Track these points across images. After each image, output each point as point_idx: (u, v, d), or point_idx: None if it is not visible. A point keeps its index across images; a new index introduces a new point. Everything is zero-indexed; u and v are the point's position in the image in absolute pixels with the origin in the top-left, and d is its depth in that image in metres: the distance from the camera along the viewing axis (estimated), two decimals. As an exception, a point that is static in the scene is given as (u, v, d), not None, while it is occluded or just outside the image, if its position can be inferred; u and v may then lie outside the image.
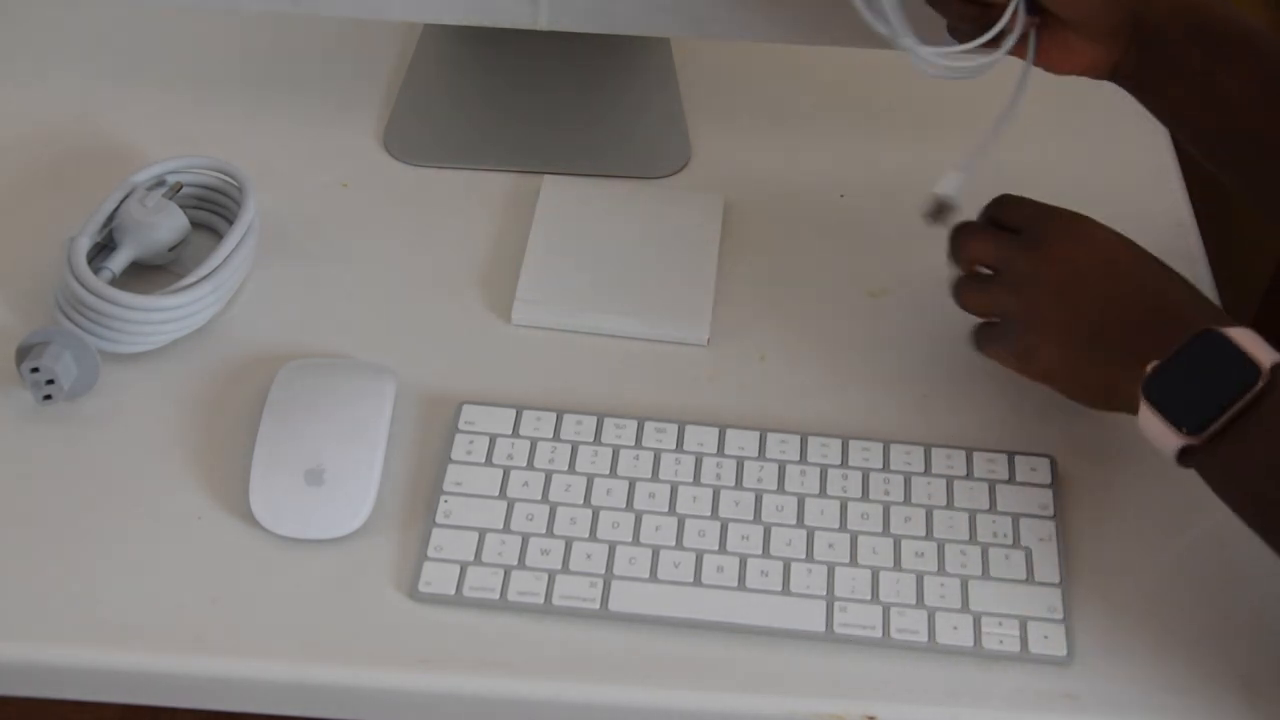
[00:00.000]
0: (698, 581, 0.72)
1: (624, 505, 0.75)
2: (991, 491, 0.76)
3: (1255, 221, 1.02)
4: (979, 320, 0.77)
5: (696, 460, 0.77)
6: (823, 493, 0.75)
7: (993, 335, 0.75)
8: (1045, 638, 0.70)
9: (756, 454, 0.77)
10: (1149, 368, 0.66)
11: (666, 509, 0.75)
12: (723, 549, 0.73)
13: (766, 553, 0.73)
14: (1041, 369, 0.74)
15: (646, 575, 0.72)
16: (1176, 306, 0.71)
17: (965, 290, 0.77)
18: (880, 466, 0.77)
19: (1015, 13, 0.74)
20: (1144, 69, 0.76)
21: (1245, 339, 0.65)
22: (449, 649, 0.70)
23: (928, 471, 0.76)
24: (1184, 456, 0.66)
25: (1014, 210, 0.77)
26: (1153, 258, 0.73)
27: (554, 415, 0.78)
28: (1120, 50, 0.76)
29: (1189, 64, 0.75)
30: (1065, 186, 0.80)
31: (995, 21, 0.74)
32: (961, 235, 0.77)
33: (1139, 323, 0.70)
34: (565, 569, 0.72)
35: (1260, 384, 0.63)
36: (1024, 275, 0.74)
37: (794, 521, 0.74)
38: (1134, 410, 0.67)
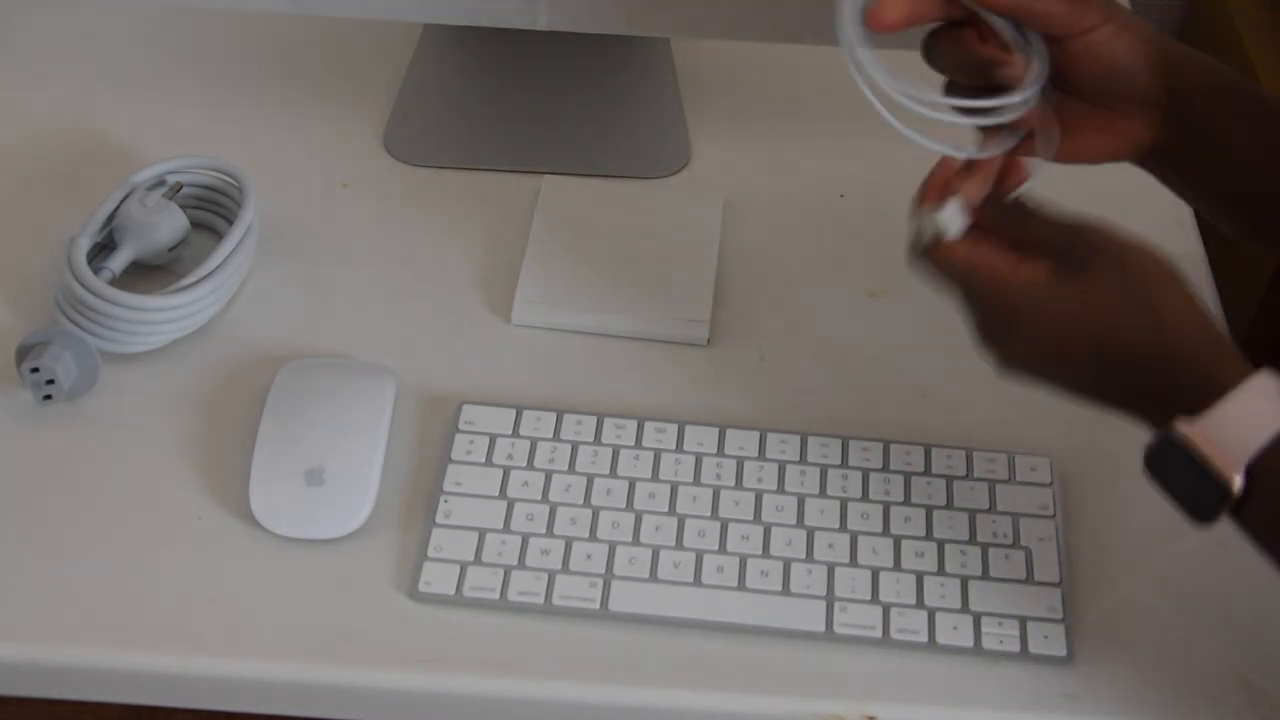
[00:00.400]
0: (698, 581, 0.72)
1: (624, 505, 0.75)
2: (991, 491, 0.76)
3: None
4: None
5: (696, 460, 0.77)
6: (823, 493, 0.75)
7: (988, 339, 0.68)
8: (1045, 638, 0.70)
9: (756, 454, 0.77)
10: (1148, 445, 0.63)
11: (666, 509, 0.75)
12: (723, 549, 0.73)
13: (766, 553, 0.73)
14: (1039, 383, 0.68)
15: (646, 575, 0.72)
16: (1183, 366, 0.63)
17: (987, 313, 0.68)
18: (880, 466, 0.77)
19: (1031, 109, 0.69)
20: (1179, 142, 0.71)
21: (1215, 436, 0.61)
22: (449, 649, 0.70)
23: (928, 471, 0.76)
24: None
25: (1046, 228, 0.68)
26: (1193, 304, 0.65)
27: (554, 415, 0.78)
28: (1156, 126, 0.71)
29: (1224, 132, 0.70)
30: (1065, 186, 0.79)
31: (1000, 79, 0.68)
32: (980, 257, 0.68)
33: (1147, 386, 0.64)
34: (565, 569, 0.72)
35: (1235, 495, 0.60)
36: (1054, 317, 0.65)
37: (794, 521, 0.74)
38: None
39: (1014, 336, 0.66)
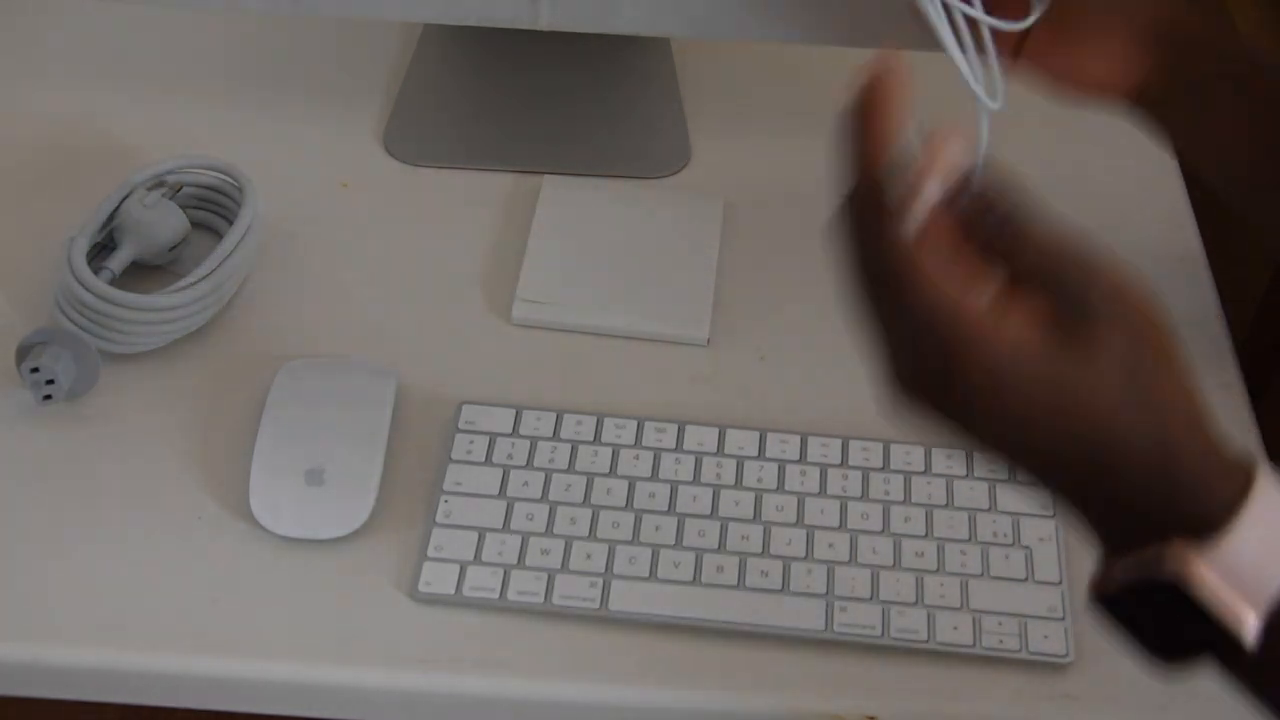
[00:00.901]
0: (698, 581, 0.72)
1: (624, 505, 0.75)
2: (991, 491, 0.76)
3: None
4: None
5: (696, 460, 0.77)
6: (823, 492, 0.75)
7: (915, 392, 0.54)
8: (1045, 638, 0.70)
9: (756, 454, 0.77)
10: (1102, 577, 0.52)
11: (666, 509, 0.75)
12: (723, 549, 0.73)
13: (766, 552, 0.73)
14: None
15: (646, 575, 0.72)
16: (1151, 484, 0.51)
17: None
18: (880, 466, 0.77)
19: None
20: (1176, 91, 0.69)
21: (1223, 582, 0.49)
22: (449, 649, 0.70)
23: (928, 471, 0.76)
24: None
25: (1041, 255, 0.53)
26: (1193, 394, 0.52)
27: (554, 415, 0.78)
28: (1149, 68, 0.70)
29: (1212, 90, 0.69)
30: (1064, 186, 0.79)
31: None
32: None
33: (1133, 499, 0.51)
34: (565, 569, 0.72)
35: (1251, 651, 0.49)
36: (1043, 397, 0.51)
37: (794, 521, 0.74)
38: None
39: (977, 401, 0.51)
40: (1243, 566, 0.49)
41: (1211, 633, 0.49)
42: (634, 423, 0.78)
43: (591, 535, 0.73)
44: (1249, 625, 0.49)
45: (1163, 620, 0.51)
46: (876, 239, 0.52)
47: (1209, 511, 0.50)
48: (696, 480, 0.76)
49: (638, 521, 0.74)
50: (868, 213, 0.52)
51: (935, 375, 0.52)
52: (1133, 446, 0.51)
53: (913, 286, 0.51)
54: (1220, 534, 0.49)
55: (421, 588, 0.72)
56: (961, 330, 0.50)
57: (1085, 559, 0.73)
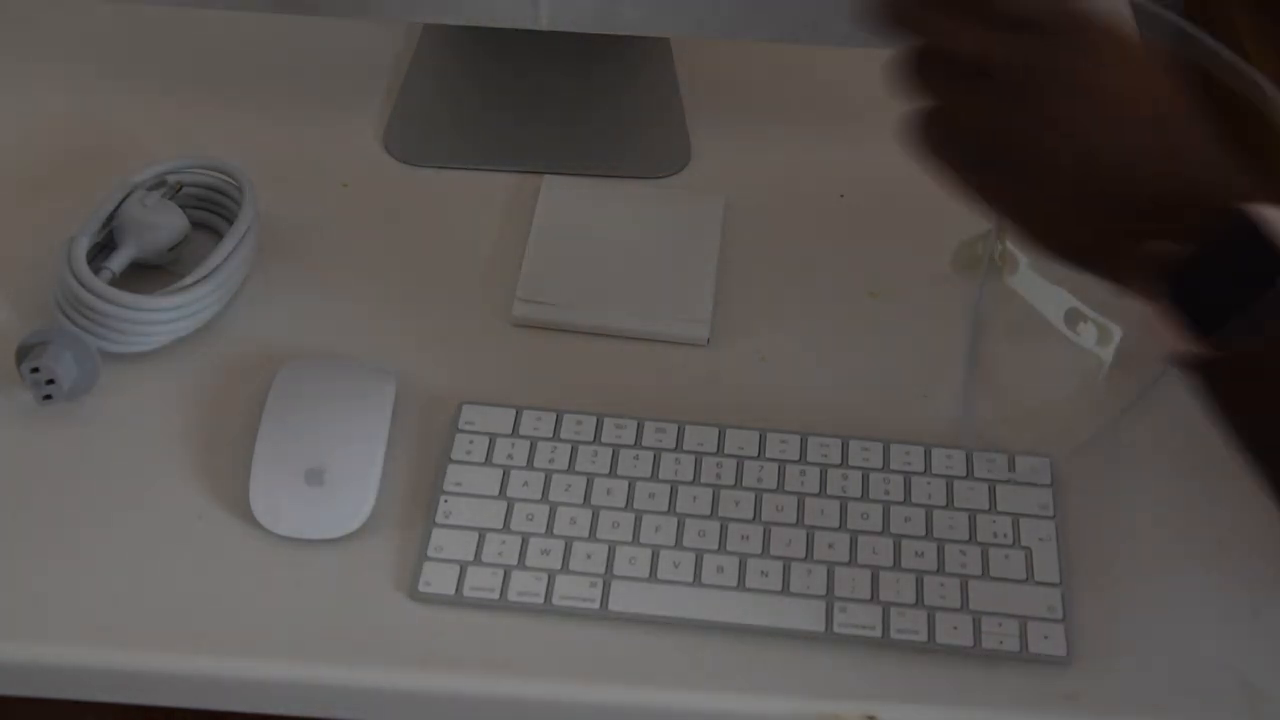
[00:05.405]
0: (698, 581, 0.72)
1: (624, 505, 0.75)
2: (991, 491, 0.76)
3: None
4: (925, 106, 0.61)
5: (696, 460, 0.77)
6: (823, 493, 0.75)
7: (949, 144, 0.60)
8: (1045, 638, 0.70)
9: (756, 454, 0.77)
10: (1166, 253, 0.56)
11: (666, 509, 0.75)
12: (723, 549, 0.73)
13: (766, 553, 0.73)
14: (1015, 213, 0.61)
15: (646, 575, 0.72)
16: (1204, 173, 0.57)
17: (929, 77, 0.60)
18: (880, 466, 0.77)
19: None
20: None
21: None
22: (449, 649, 0.70)
23: (928, 471, 0.76)
24: (1188, 359, 0.57)
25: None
26: (1183, 100, 0.59)
27: (554, 415, 0.78)
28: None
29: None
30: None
31: None
32: (941, 11, 0.60)
33: (1157, 191, 0.57)
34: (565, 569, 0.72)
35: None
36: (1025, 89, 0.58)
37: (794, 521, 0.74)
38: (1135, 291, 0.58)
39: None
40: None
41: (1265, 263, 0.53)
42: (634, 423, 0.78)
43: (591, 535, 0.73)
44: None
45: (1230, 260, 0.55)
46: None
47: (1257, 193, 0.55)
48: (696, 480, 0.76)
49: (638, 521, 0.74)
50: None
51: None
52: (1197, 145, 0.57)
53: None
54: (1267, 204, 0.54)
55: (421, 588, 0.72)
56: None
57: (1085, 559, 0.74)
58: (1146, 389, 0.76)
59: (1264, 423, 0.58)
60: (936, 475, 0.76)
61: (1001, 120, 0.59)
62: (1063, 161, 0.58)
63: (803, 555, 0.73)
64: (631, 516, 0.74)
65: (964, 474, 0.76)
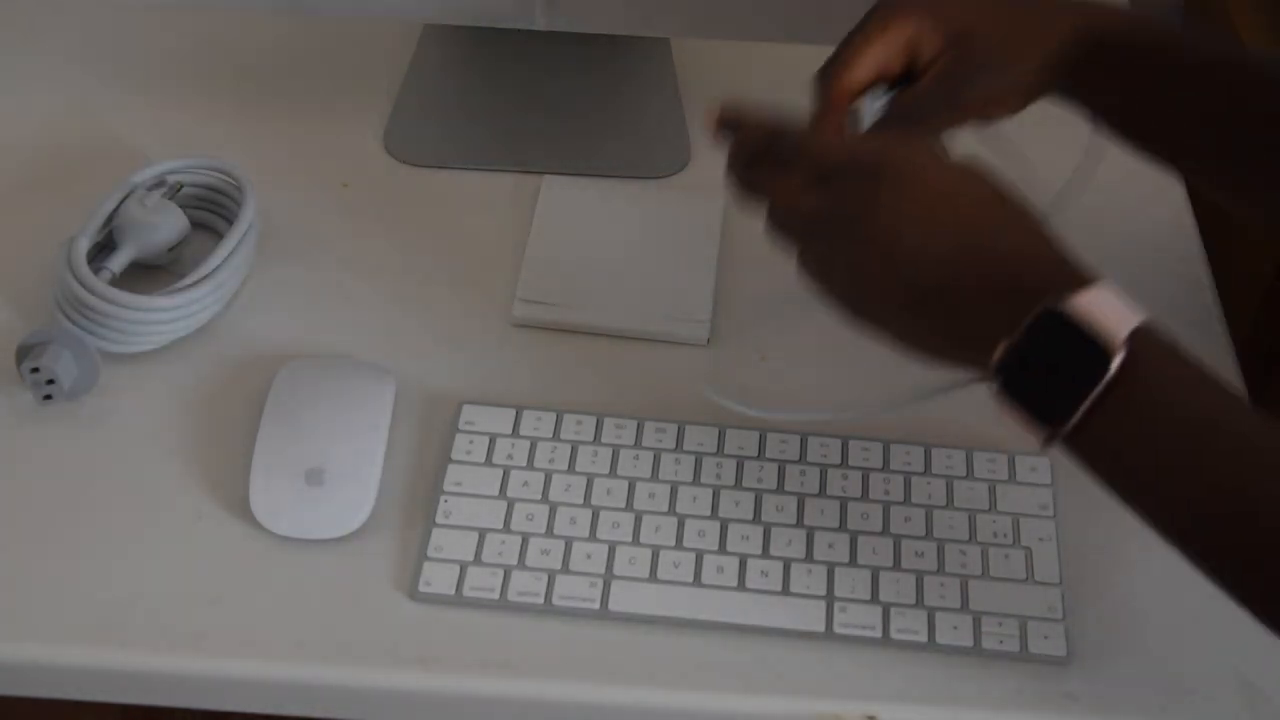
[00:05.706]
0: (698, 581, 0.72)
1: (624, 505, 0.75)
2: (991, 491, 0.76)
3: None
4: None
5: (696, 460, 0.77)
6: (823, 493, 0.75)
7: (806, 261, 0.66)
8: (1045, 638, 0.70)
9: (756, 454, 0.77)
10: (997, 351, 0.60)
11: (666, 509, 0.75)
12: (723, 549, 0.73)
13: (766, 553, 0.73)
14: (867, 327, 0.66)
15: (646, 575, 0.72)
16: (1027, 266, 0.61)
17: (776, 226, 0.67)
18: (880, 466, 0.77)
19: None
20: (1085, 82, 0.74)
21: (1095, 309, 0.58)
22: (449, 649, 0.70)
23: (928, 471, 0.76)
24: (1049, 441, 0.61)
25: (817, 157, 0.67)
26: (998, 197, 0.64)
27: (554, 415, 0.78)
28: (1051, 75, 0.74)
29: (1134, 91, 0.73)
30: (1064, 188, 0.80)
31: None
32: (755, 170, 0.69)
33: (982, 290, 0.61)
34: (565, 569, 0.72)
35: (1113, 367, 0.57)
36: (843, 223, 0.64)
37: (794, 521, 0.74)
38: (982, 376, 0.62)
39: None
40: (1107, 300, 0.58)
41: (1098, 355, 0.57)
42: (634, 423, 0.78)
43: (591, 535, 0.73)
44: (1116, 338, 0.57)
45: (1055, 352, 0.58)
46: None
47: (1076, 277, 0.59)
48: (696, 480, 0.76)
49: (638, 522, 0.74)
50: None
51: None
52: (1011, 237, 0.62)
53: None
54: (1086, 288, 0.58)
55: (421, 588, 0.72)
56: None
57: (1085, 559, 0.74)
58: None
59: (1134, 490, 0.62)
60: (936, 475, 0.76)
61: (836, 250, 0.65)
62: (888, 273, 0.63)
63: (803, 555, 0.73)
64: (631, 517, 0.74)
65: (964, 474, 0.76)
